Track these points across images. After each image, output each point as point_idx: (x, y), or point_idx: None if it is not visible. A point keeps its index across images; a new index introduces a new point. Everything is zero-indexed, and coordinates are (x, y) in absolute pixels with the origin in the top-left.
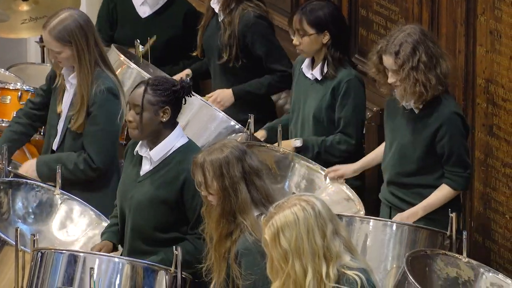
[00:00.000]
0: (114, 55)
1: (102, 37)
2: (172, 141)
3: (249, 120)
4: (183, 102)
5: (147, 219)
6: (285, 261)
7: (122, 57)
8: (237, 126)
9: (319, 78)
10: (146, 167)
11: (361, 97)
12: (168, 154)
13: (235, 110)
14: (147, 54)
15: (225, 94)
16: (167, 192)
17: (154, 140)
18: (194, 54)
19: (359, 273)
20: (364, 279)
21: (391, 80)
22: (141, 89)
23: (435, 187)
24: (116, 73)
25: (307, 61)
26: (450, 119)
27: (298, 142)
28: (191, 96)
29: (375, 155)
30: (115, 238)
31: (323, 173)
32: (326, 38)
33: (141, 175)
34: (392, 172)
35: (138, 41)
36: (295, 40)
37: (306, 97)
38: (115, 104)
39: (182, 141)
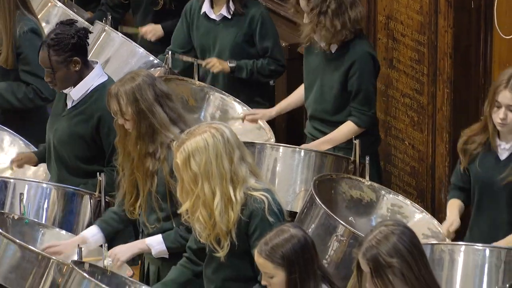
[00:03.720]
0: None
1: None
2: (90, 81)
3: (166, 55)
4: (87, 44)
5: (69, 151)
6: (195, 183)
7: None
8: (156, 61)
9: (229, 17)
10: (69, 103)
11: (274, 26)
12: (87, 93)
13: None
14: None
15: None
16: (84, 129)
17: (77, 82)
18: None
19: (264, 193)
20: (270, 198)
21: (306, 20)
22: (45, 52)
23: None
24: (43, 11)
25: (207, 4)
26: (362, 57)
27: (233, 63)
28: (88, 37)
29: (290, 101)
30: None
31: (241, 115)
32: None
33: (66, 109)
34: (313, 107)
35: None
36: None
37: (216, 37)
38: (40, 42)
39: (101, 80)
